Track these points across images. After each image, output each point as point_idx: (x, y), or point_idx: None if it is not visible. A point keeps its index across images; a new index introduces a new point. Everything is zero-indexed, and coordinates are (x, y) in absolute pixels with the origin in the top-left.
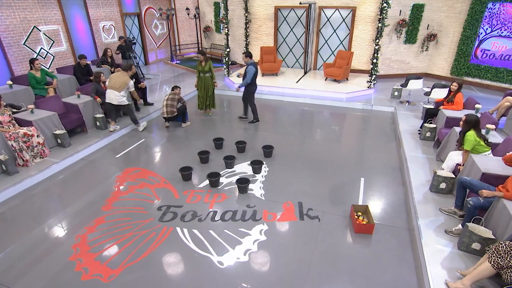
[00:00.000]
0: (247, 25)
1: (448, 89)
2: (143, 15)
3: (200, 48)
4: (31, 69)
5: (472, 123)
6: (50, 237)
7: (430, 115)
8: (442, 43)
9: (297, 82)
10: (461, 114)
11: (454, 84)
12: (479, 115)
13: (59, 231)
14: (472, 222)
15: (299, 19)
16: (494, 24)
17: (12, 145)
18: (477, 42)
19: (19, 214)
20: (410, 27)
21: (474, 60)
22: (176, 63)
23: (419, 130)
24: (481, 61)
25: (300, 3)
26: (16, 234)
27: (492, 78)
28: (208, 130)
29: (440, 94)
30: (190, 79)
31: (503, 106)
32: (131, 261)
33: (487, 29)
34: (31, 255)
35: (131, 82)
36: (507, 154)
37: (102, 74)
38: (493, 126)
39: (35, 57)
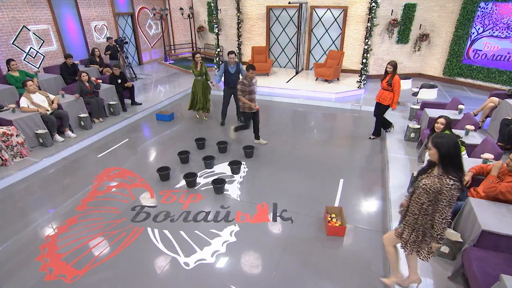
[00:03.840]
0: (239, 25)
1: (437, 89)
2: (136, 15)
3: (195, 48)
4: (8, 70)
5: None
6: (21, 237)
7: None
8: (435, 43)
9: (287, 82)
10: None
11: (388, 66)
12: (462, 115)
13: (30, 231)
14: None
15: (291, 19)
16: (486, 24)
17: None
18: (469, 42)
19: None
20: (402, 27)
21: (466, 60)
22: (170, 63)
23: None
24: (473, 61)
25: (289, 3)
26: None
27: (484, 79)
28: (194, 130)
29: (428, 94)
30: (183, 79)
31: (488, 107)
32: (97, 261)
33: (479, 29)
34: None
35: (21, 99)
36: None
37: (84, 74)
38: (473, 127)
39: (23, 57)
